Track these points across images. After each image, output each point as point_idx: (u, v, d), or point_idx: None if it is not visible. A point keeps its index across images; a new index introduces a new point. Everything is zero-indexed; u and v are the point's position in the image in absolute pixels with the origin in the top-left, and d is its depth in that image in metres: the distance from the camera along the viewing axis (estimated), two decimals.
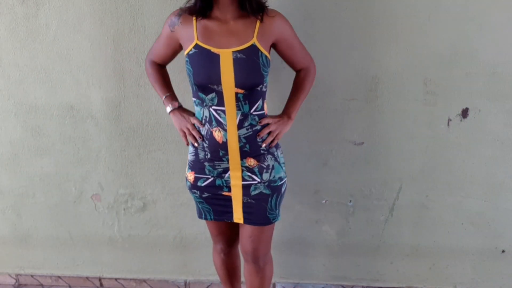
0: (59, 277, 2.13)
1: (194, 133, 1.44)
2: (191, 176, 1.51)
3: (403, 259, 1.99)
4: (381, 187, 1.89)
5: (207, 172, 1.47)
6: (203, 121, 1.42)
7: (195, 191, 1.52)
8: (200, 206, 1.55)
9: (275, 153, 1.48)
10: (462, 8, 1.66)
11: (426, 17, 1.68)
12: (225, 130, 1.39)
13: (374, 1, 1.68)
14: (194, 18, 1.37)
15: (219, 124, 1.39)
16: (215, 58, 1.34)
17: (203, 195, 1.51)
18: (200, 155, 1.47)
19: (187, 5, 1.38)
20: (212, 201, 1.51)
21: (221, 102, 1.37)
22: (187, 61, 1.38)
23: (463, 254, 1.96)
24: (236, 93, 1.35)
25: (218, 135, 1.40)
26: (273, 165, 1.47)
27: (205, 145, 1.44)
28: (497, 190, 1.86)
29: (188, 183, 1.53)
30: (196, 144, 1.46)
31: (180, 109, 1.51)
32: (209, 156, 1.45)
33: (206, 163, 1.47)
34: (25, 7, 1.76)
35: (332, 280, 2.05)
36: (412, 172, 1.87)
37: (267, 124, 1.44)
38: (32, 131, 1.92)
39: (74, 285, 2.14)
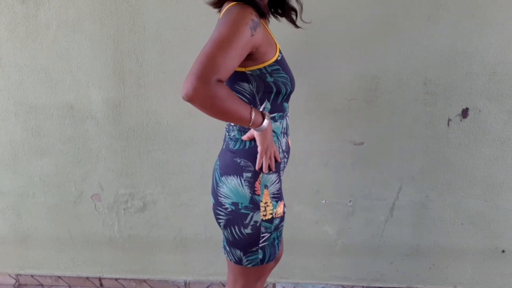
0: (59, 277, 2.13)
1: (277, 155, 1.19)
2: (281, 207, 1.21)
3: (403, 259, 1.99)
4: (381, 187, 1.89)
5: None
6: (282, 134, 1.23)
7: (283, 223, 1.24)
8: (278, 241, 1.25)
9: None
10: (462, 8, 1.66)
11: (426, 17, 1.68)
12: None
13: (374, 1, 1.68)
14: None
15: (288, 131, 1.27)
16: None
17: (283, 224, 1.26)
18: (281, 177, 1.23)
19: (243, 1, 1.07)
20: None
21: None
22: (278, 69, 1.13)
23: (463, 254, 1.96)
24: None
25: (290, 142, 1.28)
26: None
27: (285, 160, 1.25)
28: (497, 190, 1.86)
29: (277, 220, 1.20)
30: (273, 169, 1.19)
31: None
32: (284, 172, 1.26)
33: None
34: (25, 7, 1.76)
35: (332, 280, 2.05)
36: (412, 172, 1.87)
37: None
38: (32, 131, 1.92)
39: (74, 285, 2.14)
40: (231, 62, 1.00)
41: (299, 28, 1.34)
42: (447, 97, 1.77)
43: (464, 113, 1.78)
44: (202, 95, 0.97)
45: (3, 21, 1.79)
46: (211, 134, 1.85)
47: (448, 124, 1.80)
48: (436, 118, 1.79)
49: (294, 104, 1.78)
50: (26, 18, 1.77)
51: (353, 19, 1.70)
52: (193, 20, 1.74)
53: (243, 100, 1.14)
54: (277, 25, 1.32)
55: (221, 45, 0.98)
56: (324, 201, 1.94)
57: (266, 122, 1.12)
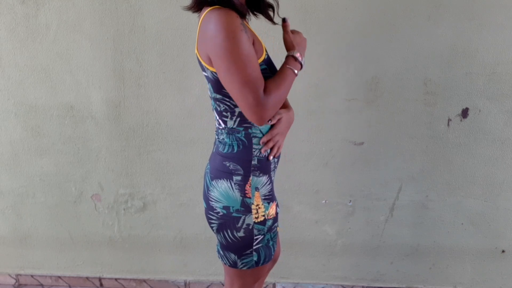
0: (59, 277, 2.13)
1: (275, 150, 1.19)
2: (274, 208, 1.20)
3: (403, 259, 1.99)
4: (381, 187, 1.89)
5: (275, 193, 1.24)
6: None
7: (277, 224, 1.23)
8: (273, 242, 1.23)
9: None
10: (462, 8, 1.66)
11: (426, 17, 1.68)
12: None
13: (374, 1, 1.68)
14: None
15: None
16: None
17: (278, 225, 1.25)
18: (272, 178, 1.22)
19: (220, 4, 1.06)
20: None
21: None
22: (265, 69, 1.12)
23: (463, 254, 1.96)
24: None
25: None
26: None
27: (276, 160, 1.23)
28: (497, 190, 1.86)
29: (270, 221, 1.19)
30: (270, 158, 1.19)
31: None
32: (275, 173, 1.25)
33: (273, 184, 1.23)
34: (25, 7, 1.76)
35: (332, 280, 2.05)
36: (412, 172, 1.87)
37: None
38: (32, 131, 1.92)
39: (74, 285, 2.14)
40: (258, 69, 1.04)
41: (276, 25, 1.28)
42: (447, 97, 1.77)
43: (464, 113, 1.78)
44: (269, 111, 1.05)
45: (3, 21, 1.79)
46: (211, 134, 1.85)
47: (448, 124, 1.80)
48: (436, 118, 1.79)
49: (294, 104, 1.78)
50: (26, 18, 1.77)
51: (353, 19, 1.70)
52: (193, 20, 1.73)
53: (230, 104, 1.12)
54: (276, 25, 1.31)
55: (242, 64, 1.00)
56: (324, 201, 1.94)
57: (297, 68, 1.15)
